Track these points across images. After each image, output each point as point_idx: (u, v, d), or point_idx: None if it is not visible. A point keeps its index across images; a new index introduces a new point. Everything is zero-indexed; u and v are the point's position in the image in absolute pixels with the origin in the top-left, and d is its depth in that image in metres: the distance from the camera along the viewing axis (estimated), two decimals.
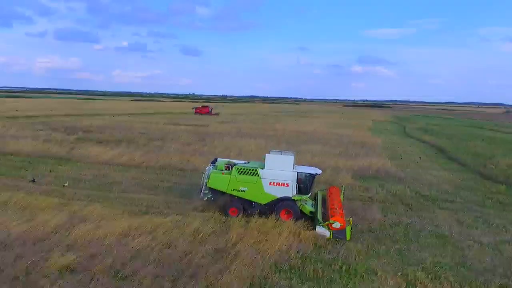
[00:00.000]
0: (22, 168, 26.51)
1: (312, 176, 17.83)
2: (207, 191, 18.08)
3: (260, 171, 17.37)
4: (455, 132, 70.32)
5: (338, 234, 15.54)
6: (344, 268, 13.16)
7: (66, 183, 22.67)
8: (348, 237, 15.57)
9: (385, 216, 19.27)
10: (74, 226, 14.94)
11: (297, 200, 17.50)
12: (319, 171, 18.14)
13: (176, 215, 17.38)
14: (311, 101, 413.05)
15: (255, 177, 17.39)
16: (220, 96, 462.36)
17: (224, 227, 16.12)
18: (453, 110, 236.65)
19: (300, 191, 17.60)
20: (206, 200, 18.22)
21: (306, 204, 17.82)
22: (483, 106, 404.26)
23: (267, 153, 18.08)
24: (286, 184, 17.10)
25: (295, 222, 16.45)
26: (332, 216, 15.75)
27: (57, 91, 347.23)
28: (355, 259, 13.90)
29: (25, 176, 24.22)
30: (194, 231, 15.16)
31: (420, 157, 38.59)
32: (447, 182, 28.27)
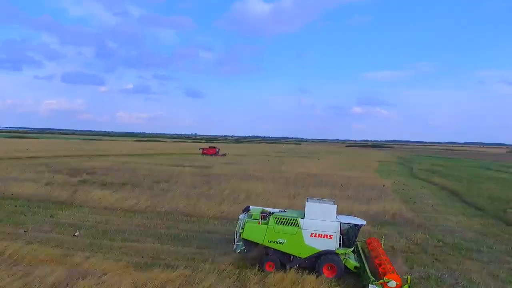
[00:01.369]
0: (22, 214, 25.22)
1: (357, 227, 16.36)
2: (241, 243, 16.54)
3: (300, 221, 16.06)
4: (463, 173, 69.16)
5: None
6: None
7: (77, 232, 21.22)
8: None
9: (411, 269, 17.69)
10: (73, 284, 13.49)
11: (340, 254, 16.05)
12: (364, 222, 16.73)
13: (185, 268, 15.97)
14: (312, 141, 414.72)
15: (295, 228, 16.02)
16: (222, 136, 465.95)
17: (239, 284, 14.61)
18: (455, 150, 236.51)
19: (343, 243, 16.13)
20: (239, 252, 16.69)
21: (349, 258, 16.30)
22: (484, 146, 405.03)
23: (306, 201, 16.81)
24: (330, 236, 15.79)
25: (319, 278, 14.97)
26: (383, 274, 14.19)
27: (61, 132, 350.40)
28: None
29: (23, 222, 22.89)
30: None
31: (432, 205, 37.15)
32: (468, 229, 26.76)
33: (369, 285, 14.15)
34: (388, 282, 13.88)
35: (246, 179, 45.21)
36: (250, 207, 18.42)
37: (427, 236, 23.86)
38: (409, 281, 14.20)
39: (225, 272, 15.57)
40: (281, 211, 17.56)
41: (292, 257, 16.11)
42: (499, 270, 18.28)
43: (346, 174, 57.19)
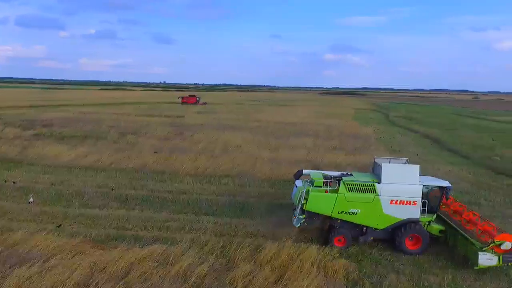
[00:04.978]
0: None
1: (443, 190, 14.01)
2: (303, 216, 13.77)
3: (377, 186, 13.56)
4: (440, 120, 69.11)
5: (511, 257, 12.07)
6: None
7: (30, 198, 17.50)
8: None
9: None
10: (5, 275, 10.33)
11: (424, 222, 13.96)
12: (449, 184, 14.23)
13: (156, 241, 13.17)
14: (285, 89, 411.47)
15: (371, 195, 13.55)
16: (193, 84, 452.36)
17: (225, 261, 11.99)
18: (424, 96, 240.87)
19: (427, 210, 13.84)
20: (299, 226, 13.94)
21: (431, 223, 14.18)
22: (450, 92, 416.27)
23: (377, 160, 14.62)
24: (414, 202, 13.47)
25: (322, 250, 12.60)
26: (490, 236, 12.33)
27: (19, 81, 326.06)
28: None
29: None
30: (184, 271, 10.94)
31: (417, 154, 35.82)
32: (461, 179, 25.27)
33: (479, 253, 11.99)
34: (501, 244, 11.90)
35: (221, 129, 42.01)
36: (304, 171, 15.54)
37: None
38: None
39: (207, 246, 12.85)
40: (344, 174, 14.87)
41: (365, 228, 13.88)
42: (506, 225, 16.67)
43: (326, 122, 54.97)
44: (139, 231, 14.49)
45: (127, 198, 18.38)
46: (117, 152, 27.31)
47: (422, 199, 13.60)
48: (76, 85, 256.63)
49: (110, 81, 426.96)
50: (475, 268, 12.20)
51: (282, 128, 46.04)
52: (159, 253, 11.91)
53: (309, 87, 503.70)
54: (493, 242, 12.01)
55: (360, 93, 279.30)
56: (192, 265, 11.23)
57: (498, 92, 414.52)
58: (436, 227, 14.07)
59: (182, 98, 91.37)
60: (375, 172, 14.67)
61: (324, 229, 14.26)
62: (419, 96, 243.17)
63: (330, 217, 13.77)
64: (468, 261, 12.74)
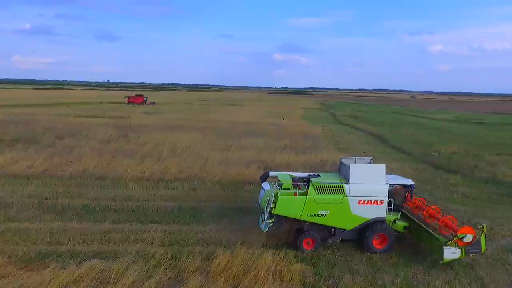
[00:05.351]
0: None
1: (407, 188, 14.15)
2: (271, 220, 13.15)
3: (346, 187, 13.37)
4: (382, 118, 72.75)
5: (473, 249, 12.61)
6: None
7: None
8: (484, 248, 12.71)
9: None
10: None
11: (390, 220, 14.12)
12: (413, 182, 14.37)
13: (96, 256, 11.88)
14: (234, 88, 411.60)
15: (340, 196, 13.38)
16: (139, 83, 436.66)
17: (174, 274, 11.02)
18: (367, 96, 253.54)
19: (392, 208, 14.01)
20: (267, 231, 13.32)
21: (397, 220, 14.39)
22: (390, 92, 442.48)
23: (344, 160, 14.46)
24: (380, 201, 13.50)
25: (277, 255, 12.06)
26: (452, 229, 12.80)
27: None
28: None
29: None
30: None
31: (364, 152, 37.00)
32: (406, 175, 25.98)
33: (444, 248, 12.31)
34: (463, 237, 12.29)
35: (170, 130, 40.40)
36: (271, 173, 14.98)
37: None
38: (485, 230, 12.69)
39: (154, 258, 11.77)
40: (311, 175, 14.43)
41: (334, 230, 13.68)
42: None
43: (276, 122, 55.28)
44: (76, 246, 13.01)
45: (63, 209, 16.59)
46: (53, 157, 24.88)
47: (388, 198, 13.75)
48: (8, 84, 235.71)
49: (47, 80, 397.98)
50: (440, 262, 12.55)
51: (233, 128, 45.43)
52: (99, 270, 10.67)
53: (258, 87, 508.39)
54: (456, 236, 12.40)
55: (308, 93, 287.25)
56: (137, 282, 10.18)
57: (431, 92, 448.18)
58: (400, 224, 14.33)
59: (128, 98, 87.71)
60: (342, 172, 14.56)
61: (292, 233, 13.85)
62: (362, 96, 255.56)
63: (298, 220, 13.41)
64: (425, 256, 13.23)
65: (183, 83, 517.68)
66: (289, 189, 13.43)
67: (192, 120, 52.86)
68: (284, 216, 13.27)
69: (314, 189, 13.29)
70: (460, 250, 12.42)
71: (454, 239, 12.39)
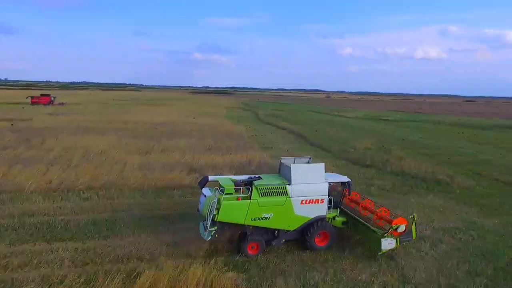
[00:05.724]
0: None
1: (344, 185, 14.73)
2: (214, 228, 12.50)
3: (288, 188, 13.26)
4: (301, 117, 76.02)
5: (406, 237, 13.45)
6: None
7: None
8: (414, 236, 13.62)
9: None
10: None
11: (330, 218, 14.37)
12: (349, 179, 14.98)
13: None
14: (152, 87, 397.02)
15: (283, 198, 13.23)
16: (44, 82, 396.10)
17: None
18: (286, 95, 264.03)
19: (332, 206, 14.31)
20: (209, 240, 12.61)
21: (336, 217, 14.69)
22: (307, 92, 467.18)
23: (284, 161, 14.41)
24: (321, 200, 13.66)
25: (206, 265, 11.19)
26: (387, 221, 13.58)
27: None
28: None
29: None
30: None
31: (288, 150, 37.89)
32: (328, 171, 27.36)
33: (381, 240, 12.89)
34: (397, 228, 13.11)
35: (81, 133, 36.73)
36: (210, 177, 13.99)
37: None
38: (415, 218, 13.66)
39: (64, 284, 10.08)
40: (252, 178, 13.84)
41: (277, 232, 13.57)
42: None
43: (198, 121, 53.96)
44: None
45: None
46: None
47: (328, 196, 13.95)
48: None
49: None
50: (378, 254, 13.07)
51: (153, 129, 43.11)
52: None
53: (178, 86, 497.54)
54: (391, 227, 13.06)
55: (229, 92, 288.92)
56: None
57: (343, 92, 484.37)
58: (339, 220, 14.62)
59: (32, 97, 78.37)
60: (283, 173, 14.38)
61: (239, 239, 13.23)
62: (282, 95, 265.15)
63: (241, 225, 12.84)
64: (351, 250, 13.67)
65: (96, 81, 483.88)
66: (231, 193, 12.86)
67: (107, 121, 48.95)
68: (227, 223, 12.68)
69: (258, 192, 12.98)
70: (395, 240, 13.16)
71: (390, 230, 13.12)
